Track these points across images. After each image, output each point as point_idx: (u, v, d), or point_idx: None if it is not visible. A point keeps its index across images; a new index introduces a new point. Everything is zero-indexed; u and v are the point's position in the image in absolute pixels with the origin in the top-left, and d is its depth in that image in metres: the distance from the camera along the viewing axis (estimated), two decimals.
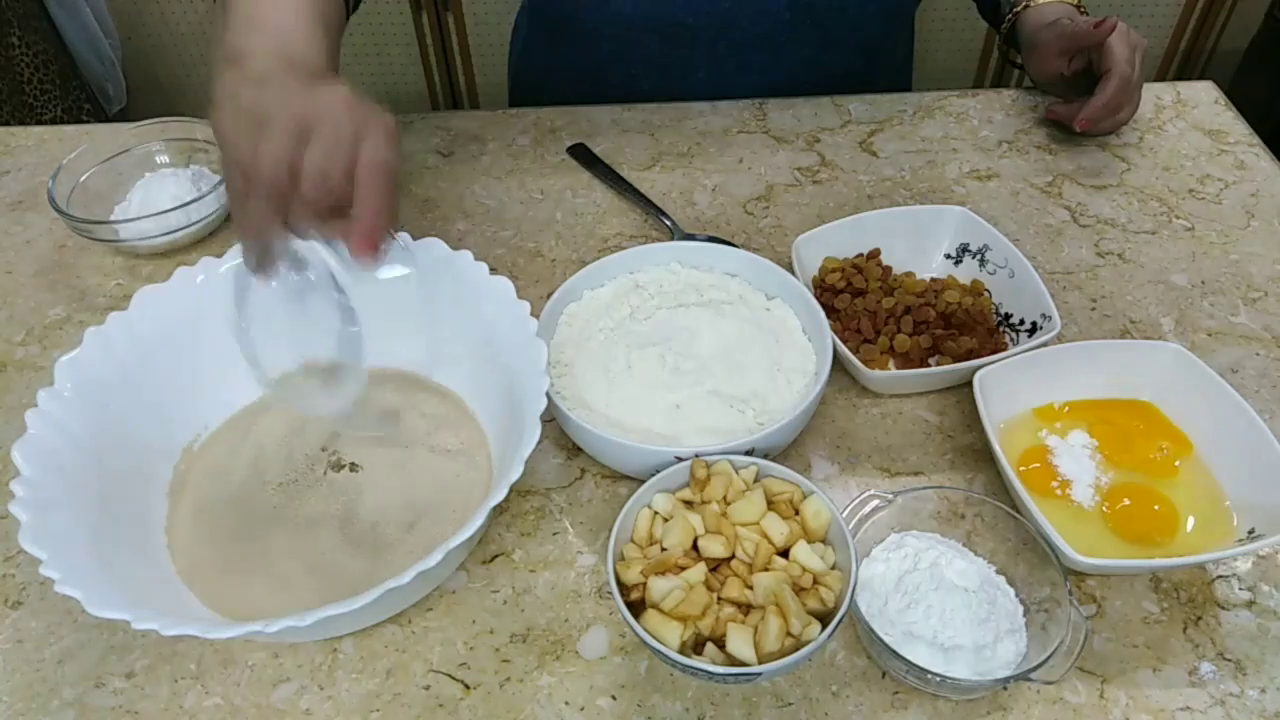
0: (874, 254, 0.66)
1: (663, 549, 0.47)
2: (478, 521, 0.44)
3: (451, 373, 0.59)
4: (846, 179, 0.77)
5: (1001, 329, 0.62)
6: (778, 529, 0.47)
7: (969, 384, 0.55)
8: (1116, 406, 0.57)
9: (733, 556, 0.47)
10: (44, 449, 0.48)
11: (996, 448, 0.51)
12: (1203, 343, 0.63)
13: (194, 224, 0.70)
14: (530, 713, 0.46)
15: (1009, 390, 0.56)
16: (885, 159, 0.78)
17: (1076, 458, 0.54)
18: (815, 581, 0.46)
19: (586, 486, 0.56)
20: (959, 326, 0.61)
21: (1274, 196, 0.74)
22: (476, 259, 0.57)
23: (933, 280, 0.65)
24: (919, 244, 0.66)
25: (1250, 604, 0.50)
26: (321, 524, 0.53)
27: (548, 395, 0.50)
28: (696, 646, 0.44)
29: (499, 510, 0.54)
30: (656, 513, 0.49)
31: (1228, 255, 0.70)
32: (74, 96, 1.39)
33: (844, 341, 0.59)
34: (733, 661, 0.43)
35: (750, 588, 0.45)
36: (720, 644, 0.44)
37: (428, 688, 0.47)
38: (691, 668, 0.42)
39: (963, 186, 0.76)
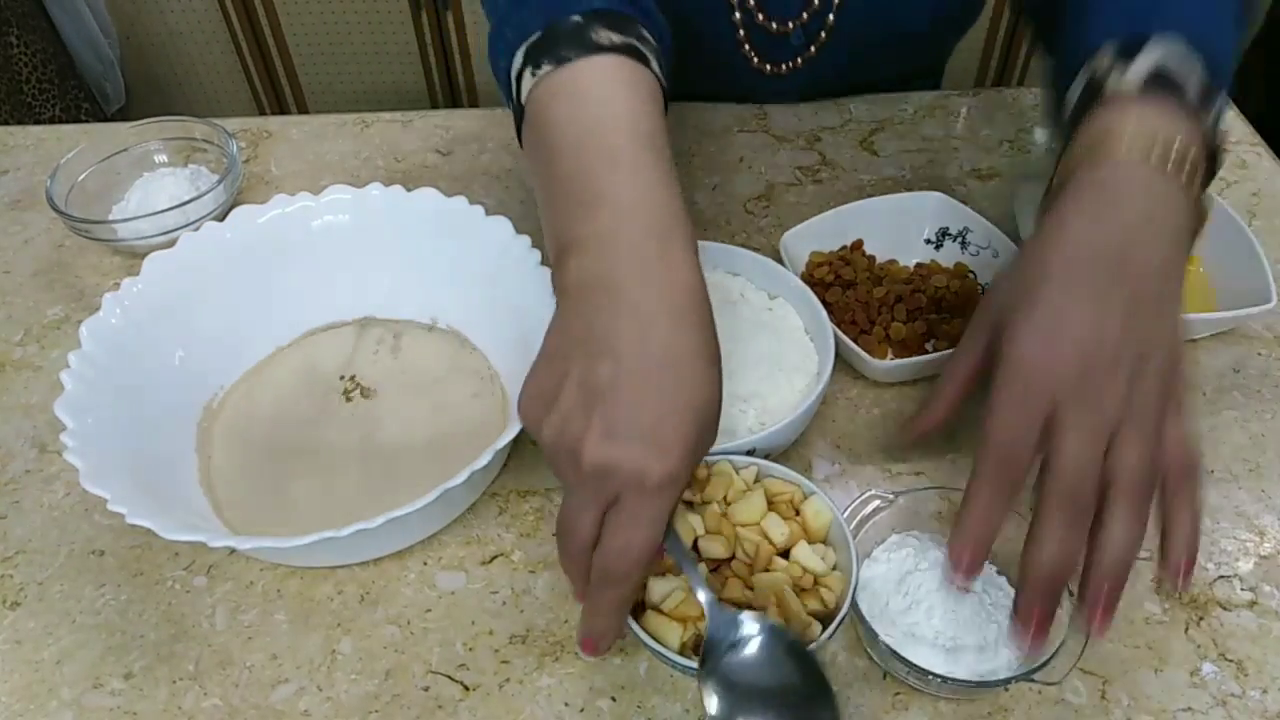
0: (857, 245, 0.66)
1: (663, 550, 0.47)
2: (514, 429, 0.48)
3: (459, 315, 0.62)
4: (847, 178, 0.76)
5: None
6: (778, 529, 0.47)
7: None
8: None
9: (733, 557, 0.47)
10: (82, 405, 0.50)
11: None
12: (1204, 342, 0.63)
13: (192, 223, 0.69)
14: (530, 714, 0.46)
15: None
16: (886, 158, 0.78)
17: None
18: (816, 582, 0.45)
19: None
20: (950, 310, 0.61)
21: (1275, 196, 0.74)
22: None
23: (917, 266, 0.66)
24: (899, 232, 0.67)
25: (1252, 604, 0.50)
26: (347, 463, 0.56)
27: None
28: (697, 647, 0.44)
29: (498, 510, 0.54)
30: None
31: None
32: (72, 96, 1.39)
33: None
34: None
35: (751, 588, 0.45)
36: None
37: (427, 689, 0.47)
38: (692, 669, 0.42)
39: (964, 185, 0.76)
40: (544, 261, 0.56)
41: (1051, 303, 0.40)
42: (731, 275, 0.62)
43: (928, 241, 0.67)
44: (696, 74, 0.76)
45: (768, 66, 0.77)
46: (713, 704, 0.40)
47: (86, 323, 0.53)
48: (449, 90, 1.75)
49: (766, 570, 0.46)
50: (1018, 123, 0.82)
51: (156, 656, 0.49)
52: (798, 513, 0.48)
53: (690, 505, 0.49)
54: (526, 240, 0.57)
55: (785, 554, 0.47)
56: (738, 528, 0.47)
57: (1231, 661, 0.47)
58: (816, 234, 0.66)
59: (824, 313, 0.57)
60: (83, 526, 0.54)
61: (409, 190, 0.60)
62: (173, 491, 0.52)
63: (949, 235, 0.66)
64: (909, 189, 0.75)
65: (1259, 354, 0.62)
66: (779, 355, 0.57)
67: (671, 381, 0.38)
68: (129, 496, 0.45)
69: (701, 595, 0.43)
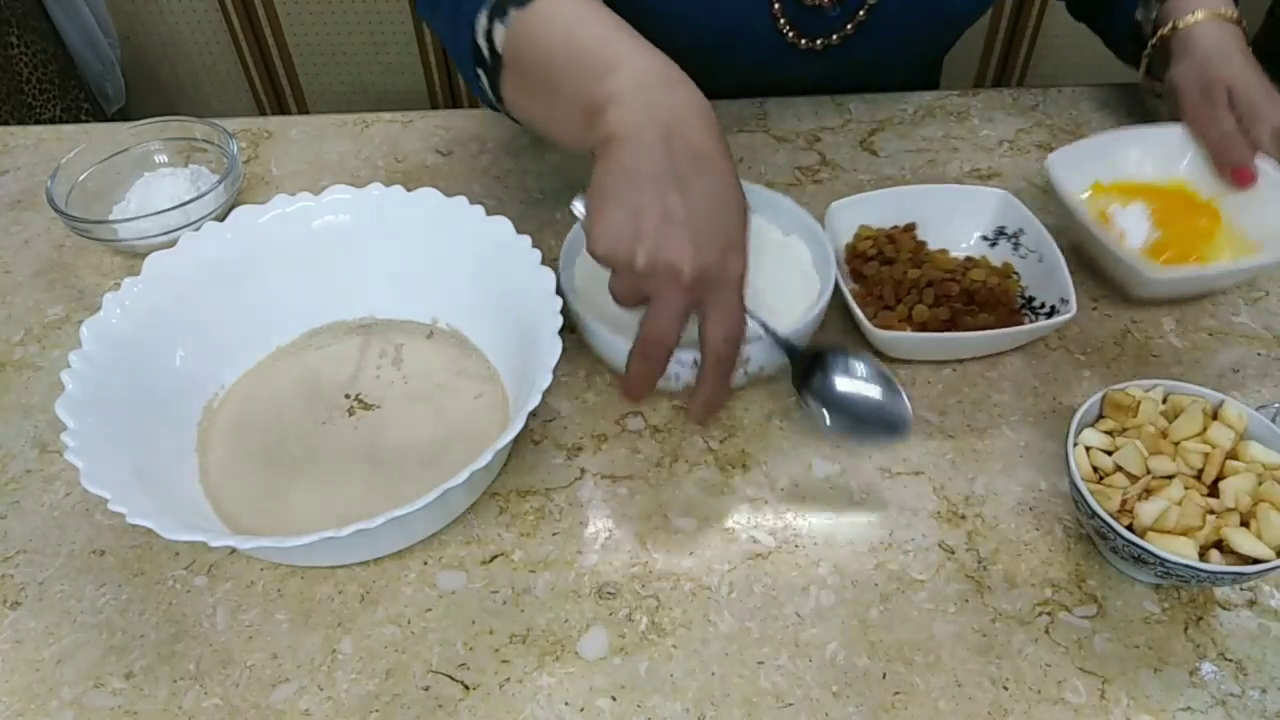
0: (909, 227, 0.67)
1: (1132, 477, 0.49)
2: (517, 425, 0.48)
3: (459, 315, 0.62)
4: (847, 178, 0.76)
5: (1023, 311, 0.63)
6: (1224, 435, 0.49)
7: (971, 373, 0.55)
8: (1169, 189, 0.69)
9: (1175, 475, 0.49)
10: (82, 404, 0.50)
11: (1079, 207, 0.64)
12: (1204, 342, 0.63)
13: (192, 223, 0.70)
14: (530, 713, 0.46)
15: (1078, 170, 0.67)
16: (886, 158, 0.78)
17: (1134, 219, 0.66)
18: (1273, 475, 0.48)
19: (586, 486, 0.56)
20: (981, 304, 0.61)
21: None
22: None
23: (967, 259, 0.66)
24: (956, 222, 0.67)
25: (1251, 604, 0.50)
26: (349, 466, 0.55)
27: (565, 313, 0.52)
28: (1218, 546, 0.47)
29: (499, 510, 0.54)
30: (1090, 448, 0.51)
31: None
32: (73, 96, 1.39)
33: (864, 307, 0.61)
34: (1243, 561, 0.46)
35: (1215, 495, 0.48)
36: (1220, 549, 0.46)
37: (427, 688, 0.47)
38: (1218, 574, 0.45)
39: (963, 185, 0.75)
40: (544, 261, 0.56)
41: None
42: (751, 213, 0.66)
43: (984, 238, 0.67)
44: (729, 54, 0.77)
45: (803, 41, 0.78)
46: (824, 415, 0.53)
47: (87, 323, 0.53)
48: (449, 90, 1.75)
49: (1222, 477, 0.48)
50: (1018, 123, 0.82)
51: (157, 656, 0.49)
52: (1214, 418, 0.51)
53: (1113, 434, 0.51)
54: (526, 240, 0.57)
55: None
56: (1183, 443, 0.50)
57: (1231, 661, 0.47)
58: (868, 209, 0.67)
59: (829, 247, 0.60)
60: (83, 526, 0.54)
61: (409, 190, 0.60)
62: (173, 491, 0.52)
63: (1005, 234, 0.66)
64: None
65: (1258, 354, 0.62)
66: (782, 284, 0.61)
67: (730, 198, 0.49)
68: (129, 496, 0.46)
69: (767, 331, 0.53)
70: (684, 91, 0.49)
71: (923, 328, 0.60)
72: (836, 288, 0.59)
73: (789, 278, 0.61)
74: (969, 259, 0.65)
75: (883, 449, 0.57)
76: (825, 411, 0.53)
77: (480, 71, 0.56)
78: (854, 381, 0.53)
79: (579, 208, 0.53)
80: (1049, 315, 0.61)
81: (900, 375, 0.61)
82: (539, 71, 0.52)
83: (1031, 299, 0.63)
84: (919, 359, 0.61)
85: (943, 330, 0.60)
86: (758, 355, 0.55)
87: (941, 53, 0.94)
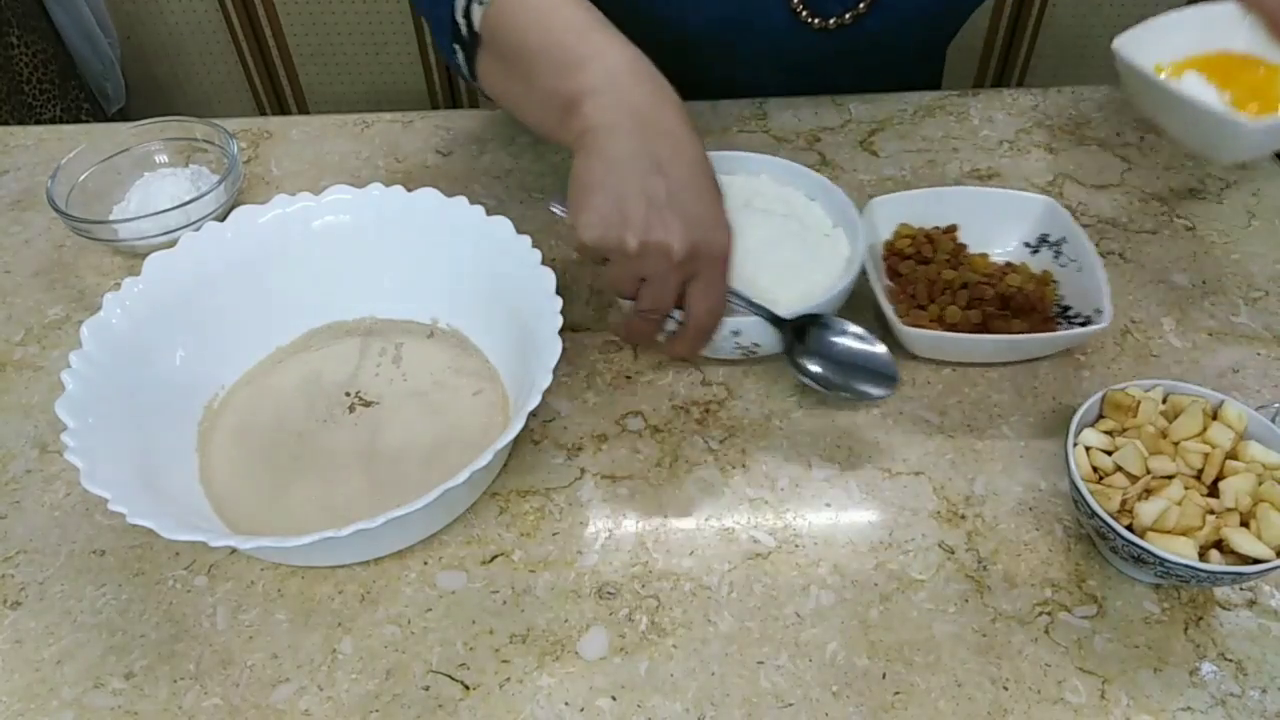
0: (950, 229, 0.67)
1: (1132, 477, 0.49)
2: (517, 425, 0.48)
3: (460, 315, 0.62)
4: (847, 178, 0.76)
5: (1057, 319, 0.62)
6: (1224, 435, 0.49)
7: (971, 373, 0.55)
8: (1215, 57, 0.69)
9: (1175, 475, 0.49)
10: (82, 404, 0.50)
11: (1158, 78, 0.64)
12: (1203, 342, 0.63)
13: (193, 223, 0.70)
14: (530, 713, 0.46)
15: (1138, 55, 0.66)
16: (886, 158, 0.78)
17: (1196, 87, 0.65)
18: (1273, 475, 0.48)
19: (586, 486, 0.56)
20: (1016, 310, 0.61)
21: (1275, 195, 0.74)
22: None
23: (1006, 264, 0.65)
24: (1000, 227, 0.67)
25: (1251, 604, 0.50)
26: (349, 466, 0.55)
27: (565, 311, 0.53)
28: (1218, 546, 0.47)
29: (499, 510, 0.54)
30: (1090, 448, 0.51)
31: (1229, 255, 0.70)
32: (73, 96, 1.39)
33: (896, 305, 0.61)
34: (1243, 561, 0.46)
35: (1215, 495, 0.48)
36: (1220, 549, 0.46)
37: (427, 688, 0.47)
38: (1218, 574, 0.45)
39: (963, 186, 0.76)
40: (544, 261, 0.56)
41: None
42: (809, 199, 0.67)
43: (1027, 245, 0.67)
44: (741, 35, 0.77)
45: (815, 20, 0.78)
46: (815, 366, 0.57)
47: (87, 323, 0.53)
48: (449, 90, 1.75)
49: (1223, 476, 0.48)
50: (1018, 123, 0.82)
51: (157, 656, 0.49)
52: (1214, 418, 0.51)
53: (1113, 435, 0.51)
54: (527, 240, 0.57)
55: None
56: (1183, 442, 0.50)
57: (1231, 661, 0.47)
58: (908, 207, 0.67)
59: (861, 235, 0.61)
60: (83, 526, 0.54)
61: (409, 190, 0.60)
62: (173, 491, 0.52)
63: (1047, 242, 0.66)
64: (909, 189, 0.75)
65: (1258, 354, 0.62)
66: (818, 271, 0.62)
67: (707, 179, 0.50)
68: (130, 496, 0.46)
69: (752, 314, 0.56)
70: (653, 81, 0.51)
71: (953, 329, 0.60)
72: (865, 282, 0.59)
73: (828, 265, 0.62)
74: (1008, 264, 0.65)
75: (879, 405, 0.59)
76: (818, 369, 0.56)
77: (457, 47, 0.57)
78: (840, 336, 0.57)
79: (557, 208, 0.56)
80: (1083, 325, 0.60)
81: (900, 375, 0.61)
82: (513, 56, 0.54)
83: (1067, 308, 0.62)
84: (943, 359, 0.61)
85: (973, 332, 0.60)
86: (750, 331, 0.57)
87: (948, 37, 0.93)
